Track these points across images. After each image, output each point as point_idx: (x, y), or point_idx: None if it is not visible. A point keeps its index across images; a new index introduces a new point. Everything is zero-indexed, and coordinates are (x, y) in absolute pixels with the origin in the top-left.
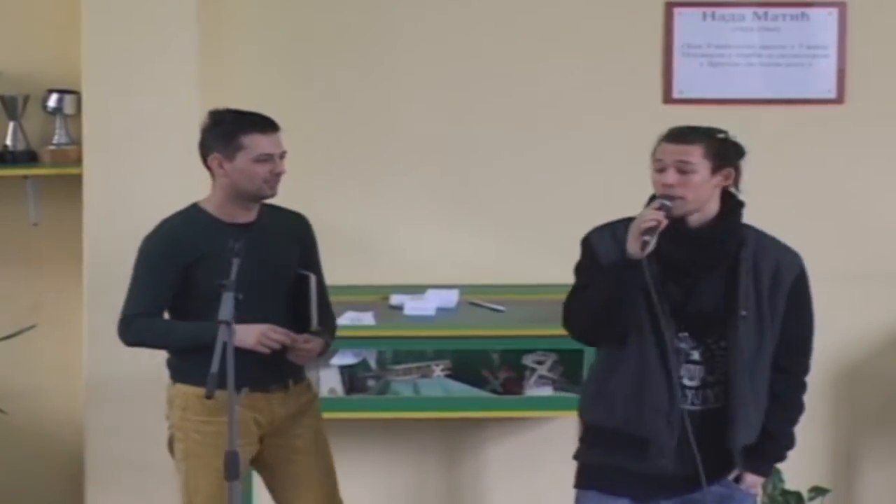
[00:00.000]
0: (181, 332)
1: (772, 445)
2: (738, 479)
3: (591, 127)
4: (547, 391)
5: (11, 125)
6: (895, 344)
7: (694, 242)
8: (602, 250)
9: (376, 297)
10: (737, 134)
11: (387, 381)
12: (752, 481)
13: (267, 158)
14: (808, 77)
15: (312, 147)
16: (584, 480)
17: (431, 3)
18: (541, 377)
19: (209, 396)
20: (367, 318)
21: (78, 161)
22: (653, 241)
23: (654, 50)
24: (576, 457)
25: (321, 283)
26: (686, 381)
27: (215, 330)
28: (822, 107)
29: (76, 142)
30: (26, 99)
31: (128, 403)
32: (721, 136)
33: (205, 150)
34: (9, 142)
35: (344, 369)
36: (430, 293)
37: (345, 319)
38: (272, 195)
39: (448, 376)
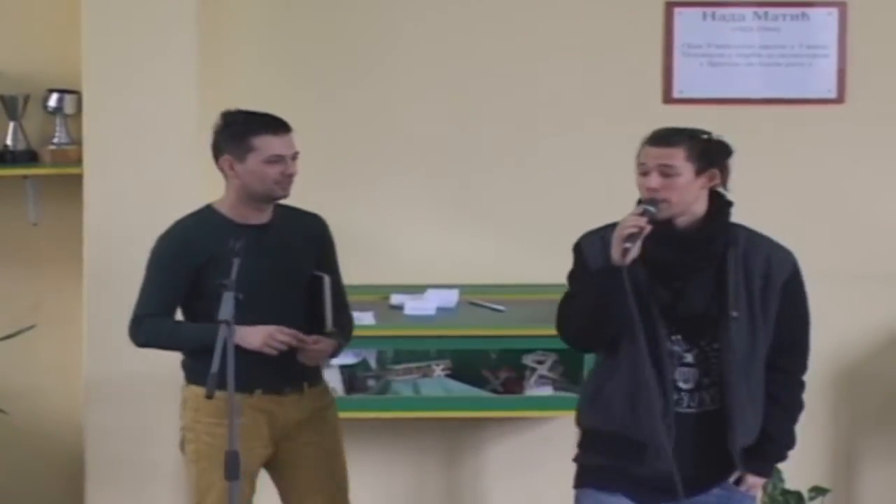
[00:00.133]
0: (189, 334)
1: (772, 446)
2: (739, 481)
3: (591, 127)
4: (547, 391)
5: (12, 125)
6: (895, 344)
7: (682, 244)
8: (591, 255)
9: (376, 297)
10: (725, 134)
11: (387, 380)
12: (753, 482)
13: (278, 160)
14: (808, 77)
15: (312, 147)
16: (583, 480)
17: (431, 3)
18: (541, 377)
19: (209, 396)
20: (367, 318)
21: (78, 161)
22: (635, 248)
23: (655, 50)
24: (575, 460)
25: (338, 285)
26: (681, 384)
27: (226, 333)
28: (822, 107)
29: (76, 142)
30: (26, 99)
31: (127, 403)
32: (704, 136)
33: (216, 151)
34: (9, 141)
35: (344, 369)
36: (430, 293)
37: None
38: (284, 196)
39: (448, 376)
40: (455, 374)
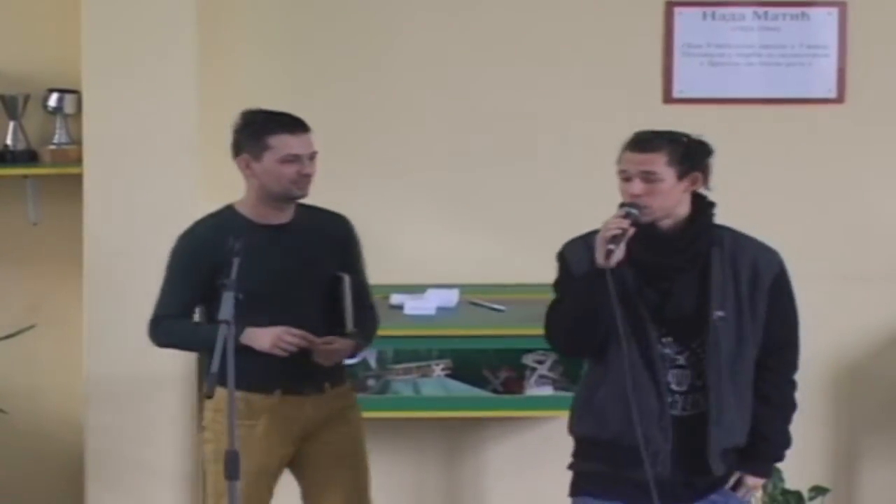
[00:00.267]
0: (205, 335)
1: (766, 446)
2: (737, 483)
3: (591, 126)
4: (547, 390)
5: (12, 125)
6: (895, 344)
7: (667, 246)
8: (575, 262)
9: (376, 297)
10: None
11: (387, 380)
12: (753, 483)
13: (294, 159)
14: (808, 76)
15: None
16: (579, 487)
17: (431, 4)
18: (541, 377)
19: (208, 396)
20: None
21: (78, 161)
22: (619, 250)
23: (655, 49)
24: (570, 467)
25: (362, 285)
26: (674, 387)
27: (237, 333)
28: (822, 106)
29: (76, 141)
30: (27, 98)
31: (127, 403)
32: (684, 139)
33: (235, 150)
34: (9, 141)
35: None
36: (430, 293)
37: None
38: (302, 196)
39: (448, 376)
40: (455, 373)
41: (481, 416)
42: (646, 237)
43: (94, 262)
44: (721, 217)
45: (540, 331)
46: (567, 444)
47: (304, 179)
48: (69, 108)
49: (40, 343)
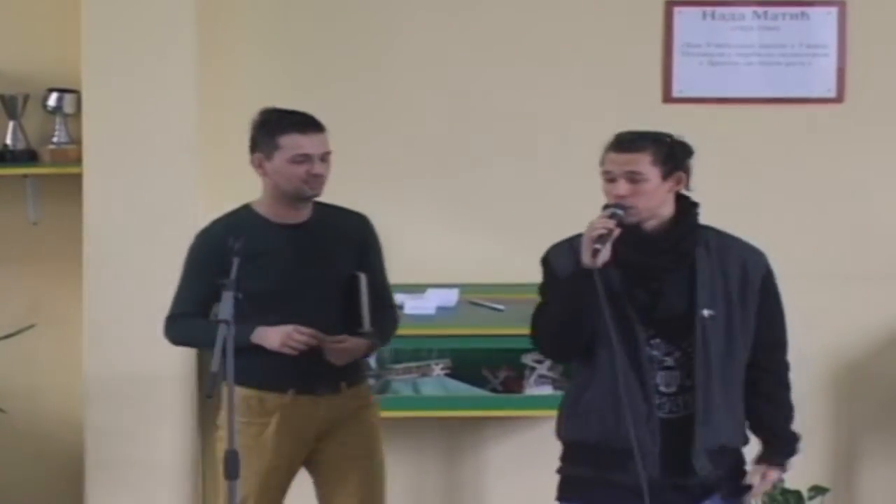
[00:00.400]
0: (216, 333)
1: (780, 443)
2: (761, 477)
3: (591, 126)
4: (547, 390)
5: (11, 124)
6: (895, 344)
7: (653, 246)
8: (560, 265)
9: None
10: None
11: (386, 380)
12: (777, 475)
13: (304, 159)
14: (807, 76)
15: None
16: (565, 492)
17: (431, 4)
18: (540, 376)
19: (209, 396)
20: None
21: (78, 160)
22: (605, 250)
23: (654, 49)
24: (558, 472)
25: (381, 285)
26: (662, 388)
27: (247, 331)
28: (821, 106)
29: (76, 141)
30: (26, 98)
31: (127, 403)
32: (668, 140)
33: (251, 148)
34: (9, 141)
35: None
36: (430, 292)
37: None
38: (313, 195)
39: (448, 375)
40: (455, 373)
41: (481, 415)
42: (631, 238)
43: (93, 262)
44: (720, 216)
45: None
46: None
47: (315, 179)
48: (69, 107)
49: (40, 342)
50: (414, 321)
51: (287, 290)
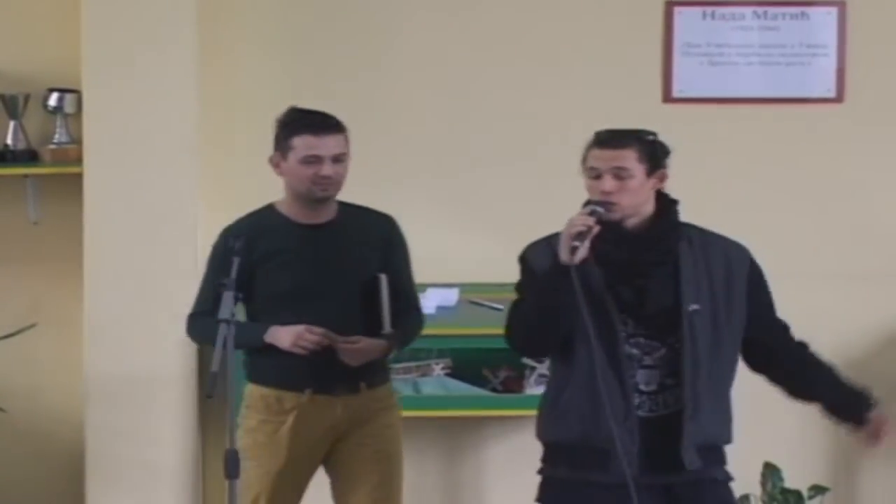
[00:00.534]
0: (233, 332)
1: (861, 391)
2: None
3: (591, 125)
4: None
5: (12, 124)
6: (894, 344)
7: (636, 243)
8: (538, 263)
9: None
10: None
11: None
12: (881, 418)
13: (314, 160)
14: (807, 76)
15: None
16: (544, 493)
17: (431, 4)
18: (540, 375)
19: (209, 395)
20: None
21: (78, 160)
22: (583, 247)
23: (654, 49)
24: (539, 472)
25: (404, 286)
26: (642, 387)
27: (261, 331)
28: (821, 105)
29: (76, 141)
30: (27, 98)
31: (127, 402)
32: (651, 137)
33: (273, 147)
34: (9, 141)
35: None
36: (431, 292)
37: None
38: (325, 196)
39: (448, 375)
40: (455, 372)
41: (481, 414)
42: (613, 236)
43: (94, 261)
44: (719, 216)
45: None
46: None
47: (324, 181)
48: (69, 107)
49: (40, 342)
50: None
51: (307, 291)
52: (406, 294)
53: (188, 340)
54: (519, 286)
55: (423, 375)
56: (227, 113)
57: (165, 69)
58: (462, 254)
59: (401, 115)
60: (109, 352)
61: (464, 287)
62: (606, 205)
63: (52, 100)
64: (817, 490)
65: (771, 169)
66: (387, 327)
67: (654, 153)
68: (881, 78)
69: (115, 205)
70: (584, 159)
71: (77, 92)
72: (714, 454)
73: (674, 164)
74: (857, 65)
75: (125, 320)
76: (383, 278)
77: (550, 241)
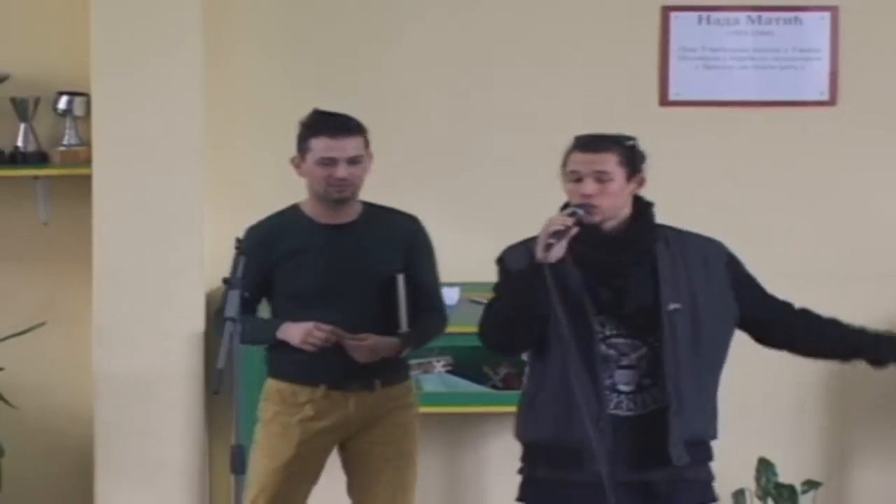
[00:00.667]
0: (247, 327)
1: (878, 339)
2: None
3: (589, 128)
4: None
5: (22, 127)
6: None
7: (615, 245)
8: (515, 264)
9: None
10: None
11: None
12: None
13: (328, 162)
14: (800, 79)
15: None
16: (523, 493)
17: (432, 8)
18: None
19: (215, 392)
20: None
21: (87, 162)
22: (559, 246)
23: (651, 53)
24: (519, 472)
25: (426, 286)
26: (621, 387)
27: (274, 327)
28: (814, 108)
29: (86, 143)
30: (37, 101)
31: (136, 399)
32: (630, 143)
33: (296, 149)
34: (20, 143)
35: None
36: None
37: None
38: (341, 198)
39: (449, 372)
40: (455, 370)
41: (481, 411)
42: (591, 238)
43: (102, 261)
44: (714, 217)
45: None
46: None
47: (340, 183)
48: (78, 110)
49: (50, 340)
50: None
51: (328, 290)
52: (429, 294)
53: (194, 338)
54: (496, 287)
55: (425, 372)
56: (233, 115)
57: (172, 73)
58: (462, 254)
59: (401, 116)
60: (118, 349)
61: (464, 286)
62: (587, 207)
63: (62, 103)
64: (810, 485)
65: (765, 170)
66: (403, 326)
67: (633, 158)
68: (873, 81)
69: (123, 205)
70: (565, 163)
71: (86, 95)
72: (700, 450)
73: (670, 165)
74: (850, 68)
75: (133, 319)
76: (401, 278)
77: (528, 244)
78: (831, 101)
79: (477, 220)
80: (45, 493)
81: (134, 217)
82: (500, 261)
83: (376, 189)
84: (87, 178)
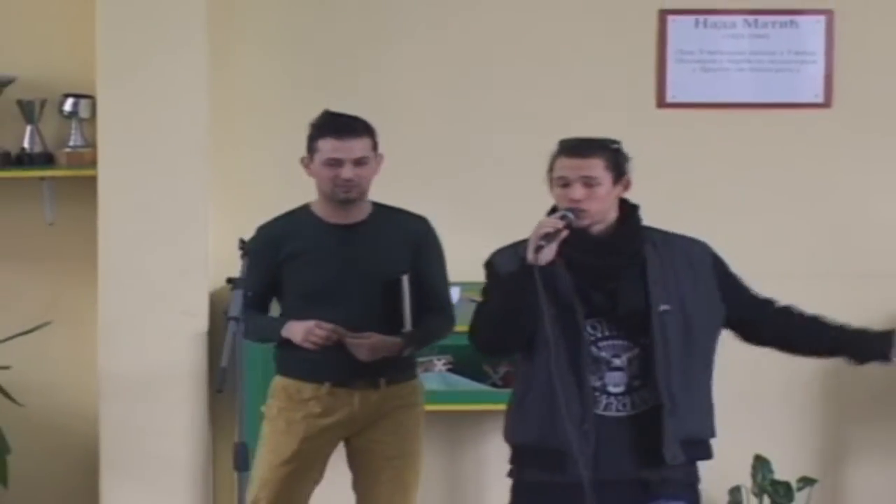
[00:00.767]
0: (253, 325)
1: (857, 332)
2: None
3: (587, 129)
4: None
5: (29, 128)
6: None
7: (604, 248)
8: (504, 268)
9: None
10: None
11: None
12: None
13: (334, 163)
14: (796, 82)
15: None
16: (513, 496)
17: (433, 10)
18: None
19: (219, 390)
20: None
21: (93, 163)
22: (549, 249)
23: (648, 56)
24: (509, 475)
25: (433, 287)
26: (611, 389)
27: (278, 325)
28: (810, 111)
29: (91, 144)
30: (43, 103)
31: (141, 397)
32: (615, 146)
33: (306, 149)
34: (26, 144)
35: None
36: None
37: None
38: (347, 199)
39: (449, 370)
40: (456, 368)
41: (481, 409)
42: (580, 242)
43: (107, 261)
44: (711, 219)
45: None
46: None
47: (346, 183)
48: (84, 112)
49: (56, 339)
50: None
51: (335, 289)
52: (436, 295)
53: (198, 337)
54: (485, 290)
55: (426, 371)
56: (235, 116)
57: (176, 75)
58: (462, 253)
59: (401, 116)
60: (122, 348)
61: (464, 286)
62: (576, 211)
63: (68, 105)
64: (806, 482)
65: (761, 172)
66: (407, 326)
67: (618, 161)
68: (868, 84)
69: (128, 206)
70: (551, 168)
71: (91, 97)
72: (698, 448)
73: (667, 166)
74: (845, 71)
75: (138, 318)
76: (405, 279)
77: (517, 248)
78: (826, 104)
79: (477, 220)
80: (50, 491)
81: (139, 217)
82: (489, 264)
83: (376, 189)
84: (93, 179)
